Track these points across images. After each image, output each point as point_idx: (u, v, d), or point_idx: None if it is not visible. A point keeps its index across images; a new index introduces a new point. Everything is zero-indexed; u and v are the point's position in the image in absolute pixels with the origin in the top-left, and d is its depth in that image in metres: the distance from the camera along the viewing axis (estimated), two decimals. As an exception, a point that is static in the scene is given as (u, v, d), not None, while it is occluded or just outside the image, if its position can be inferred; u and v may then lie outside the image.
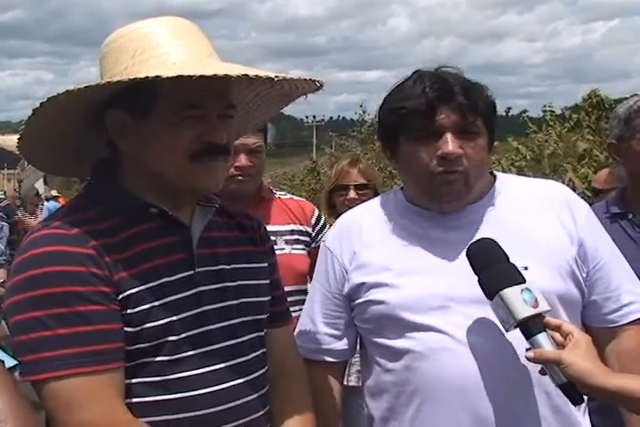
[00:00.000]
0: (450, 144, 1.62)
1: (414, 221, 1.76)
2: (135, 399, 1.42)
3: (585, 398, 1.49)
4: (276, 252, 2.55)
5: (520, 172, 8.91)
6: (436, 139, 1.64)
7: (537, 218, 1.73)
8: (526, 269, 1.60)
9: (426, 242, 1.72)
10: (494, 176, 1.82)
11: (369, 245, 1.78)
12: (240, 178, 2.58)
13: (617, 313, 1.74)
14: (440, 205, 1.71)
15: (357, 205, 2.02)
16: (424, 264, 1.70)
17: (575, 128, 9.77)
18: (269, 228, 2.61)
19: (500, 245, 1.58)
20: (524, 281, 1.51)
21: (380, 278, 1.72)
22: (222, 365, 1.49)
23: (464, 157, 1.64)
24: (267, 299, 1.66)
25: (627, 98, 2.70)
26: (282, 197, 2.81)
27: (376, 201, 1.91)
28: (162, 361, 1.43)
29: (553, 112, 10.33)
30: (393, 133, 1.72)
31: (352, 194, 3.48)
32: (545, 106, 10.41)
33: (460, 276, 1.60)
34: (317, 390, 1.80)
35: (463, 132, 1.64)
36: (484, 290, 1.54)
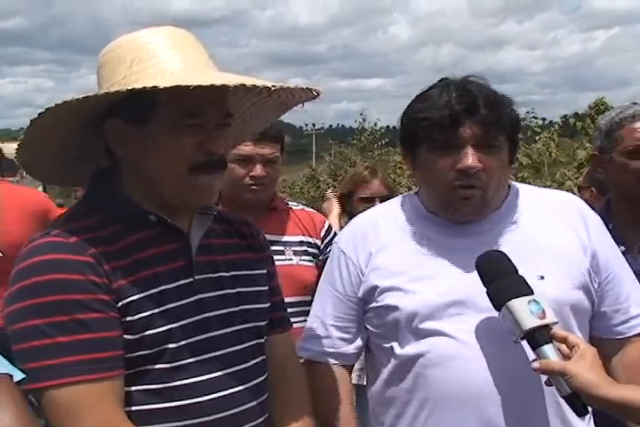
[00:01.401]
0: (470, 158, 1.62)
1: (431, 227, 1.76)
2: (135, 407, 1.42)
3: (590, 409, 1.50)
4: (284, 262, 2.56)
5: (517, 179, 8.88)
6: (456, 151, 1.63)
7: (552, 228, 1.74)
8: (542, 278, 1.61)
9: (442, 249, 1.72)
10: (509, 185, 1.81)
11: (385, 247, 1.77)
12: (254, 187, 2.61)
13: (625, 325, 1.75)
14: (455, 217, 1.72)
15: None
16: (440, 271, 1.70)
17: (573, 135, 9.78)
18: (280, 238, 2.62)
19: (517, 255, 1.59)
20: (532, 293, 1.52)
21: (395, 283, 1.71)
22: (223, 372, 1.49)
23: (483, 171, 1.63)
24: (266, 305, 1.66)
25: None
26: (294, 207, 2.83)
27: (391, 204, 1.90)
28: (162, 368, 1.43)
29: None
30: (414, 142, 1.71)
31: None
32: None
33: (475, 283, 1.60)
34: (324, 392, 1.79)
35: (484, 145, 1.64)
36: (492, 301, 1.55)
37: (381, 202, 3.44)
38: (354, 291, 1.79)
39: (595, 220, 1.81)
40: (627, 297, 1.76)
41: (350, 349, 1.83)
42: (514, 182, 1.85)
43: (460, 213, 1.70)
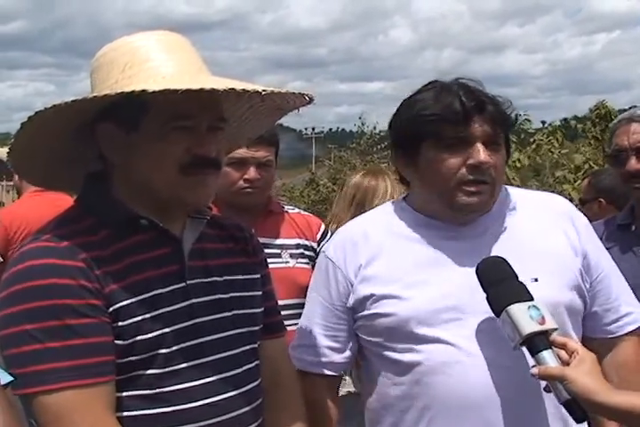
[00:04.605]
0: (482, 153, 1.62)
1: (423, 231, 1.74)
2: (126, 413, 1.41)
3: (588, 415, 1.49)
4: (281, 265, 2.58)
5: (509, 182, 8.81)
6: (465, 148, 1.63)
7: (544, 230, 1.74)
8: (536, 280, 1.61)
9: (436, 253, 1.71)
10: None
11: (377, 256, 1.75)
12: (248, 190, 2.62)
13: (616, 324, 1.76)
14: (462, 215, 1.70)
15: None
16: (434, 276, 1.68)
17: (573, 138, 9.78)
18: (276, 241, 2.64)
19: (510, 258, 1.59)
20: (532, 299, 1.52)
21: (390, 290, 1.69)
22: (215, 377, 1.49)
23: (493, 167, 1.64)
24: (260, 310, 1.65)
25: (626, 109, 2.78)
26: (289, 211, 2.85)
27: (380, 211, 1.88)
28: (153, 374, 1.42)
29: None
30: (415, 140, 1.68)
31: None
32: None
33: (471, 288, 1.59)
34: (314, 403, 1.78)
35: (491, 143, 1.65)
36: (491, 306, 1.55)
37: None
38: (342, 300, 1.76)
39: (583, 221, 1.81)
40: (617, 296, 1.77)
41: (340, 358, 1.81)
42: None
43: (468, 209, 1.68)
